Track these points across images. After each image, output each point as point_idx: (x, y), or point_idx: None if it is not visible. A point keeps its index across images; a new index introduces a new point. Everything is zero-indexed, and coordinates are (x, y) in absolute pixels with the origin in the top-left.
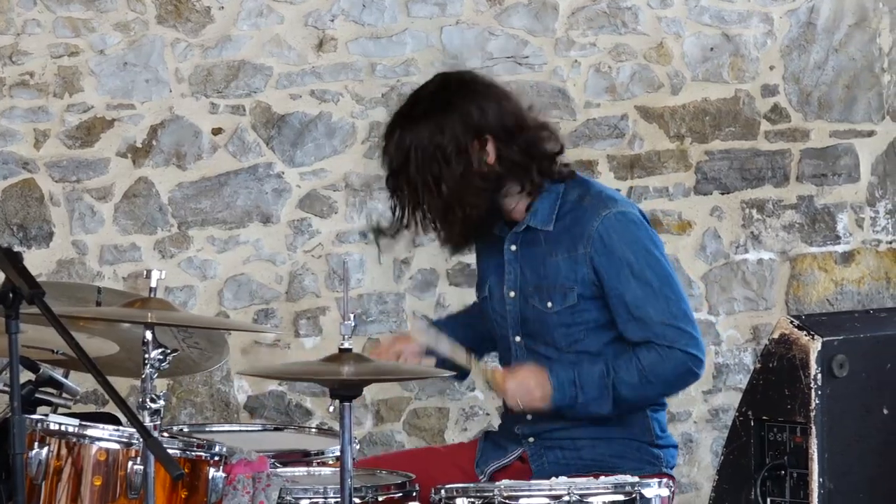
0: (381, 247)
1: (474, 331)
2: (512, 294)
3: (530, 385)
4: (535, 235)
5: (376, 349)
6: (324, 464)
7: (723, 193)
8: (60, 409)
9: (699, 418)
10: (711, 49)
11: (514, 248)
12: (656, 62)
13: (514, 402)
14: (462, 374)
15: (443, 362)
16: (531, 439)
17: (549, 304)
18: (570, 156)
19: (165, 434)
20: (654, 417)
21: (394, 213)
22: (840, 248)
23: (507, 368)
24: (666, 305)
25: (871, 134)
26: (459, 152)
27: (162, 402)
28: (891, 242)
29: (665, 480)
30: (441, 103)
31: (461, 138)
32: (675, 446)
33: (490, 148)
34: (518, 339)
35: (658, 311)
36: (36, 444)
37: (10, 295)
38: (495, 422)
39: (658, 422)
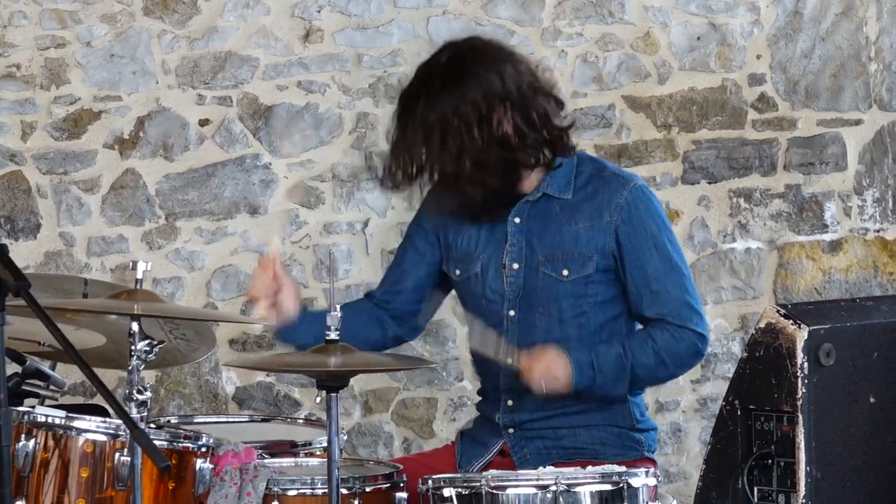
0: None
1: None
2: (516, 266)
3: (554, 369)
4: (549, 204)
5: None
6: (311, 455)
7: (710, 183)
8: (47, 402)
9: (687, 407)
10: (698, 38)
11: (518, 220)
12: (643, 52)
13: (538, 386)
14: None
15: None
16: (511, 430)
17: (566, 273)
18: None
19: (153, 425)
20: (634, 402)
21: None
22: (828, 237)
23: (530, 352)
24: (681, 281)
25: (858, 122)
26: (481, 121)
27: (149, 394)
28: (878, 231)
29: (651, 470)
30: (458, 73)
31: (483, 106)
32: (655, 429)
33: (510, 114)
34: (512, 313)
35: (674, 287)
36: (23, 436)
37: None
38: None
39: (637, 406)
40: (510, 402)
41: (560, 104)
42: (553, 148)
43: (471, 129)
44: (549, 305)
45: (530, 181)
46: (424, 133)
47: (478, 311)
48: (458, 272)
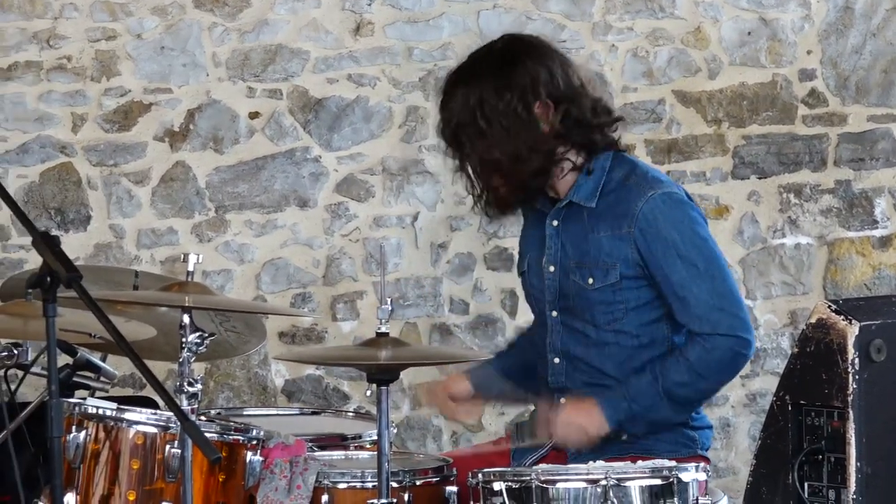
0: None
1: (524, 363)
2: (552, 268)
3: (579, 422)
4: (579, 211)
5: (427, 395)
6: (361, 448)
7: (760, 178)
8: (98, 393)
9: (737, 403)
10: (749, 33)
11: (555, 223)
12: (693, 46)
13: (575, 448)
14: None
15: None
16: (574, 450)
17: (591, 281)
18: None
19: (203, 418)
20: None
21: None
22: (877, 233)
23: (552, 411)
24: (711, 285)
25: None
26: (524, 111)
27: (199, 386)
28: None
29: (702, 465)
30: (509, 61)
31: (528, 97)
32: (710, 427)
33: (552, 112)
34: (555, 314)
35: (702, 291)
36: (74, 427)
37: (48, 278)
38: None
39: (690, 413)
40: (562, 400)
41: (607, 112)
42: (589, 151)
43: (512, 117)
44: (582, 311)
45: (566, 183)
46: (466, 113)
47: (531, 308)
48: (518, 270)
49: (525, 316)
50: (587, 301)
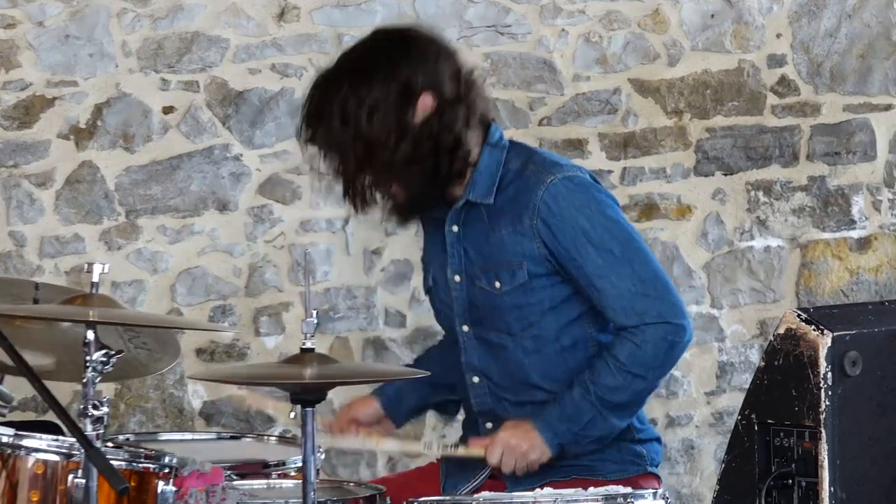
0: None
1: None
2: (457, 278)
3: (519, 446)
4: (477, 211)
5: (328, 428)
6: (285, 476)
7: (726, 174)
8: None
9: (701, 422)
10: (712, 16)
11: (455, 228)
12: (651, 31)
13: (510, 471)
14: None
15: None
16: (519, 474)
17: (498, 284)
18: (558, 134)
19: (110, 444)
20: None
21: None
22: (855, 234)
23: (480, 439)
24: (631, 270)
25: (888, 108)
26: (390, 107)
27: (106, 409)
28: None
29: (660, 491)
30: (378, 59)
31: (393, 94)
32: (658, 440)
33: (429, 108)
34: (466, 328)
35: (622, 279)
36: None
37: None
38: None
39: (636, 414)
40: (489, 426)
41: (488, 102)
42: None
43: (384, 113)
44: (494, 320)
45: (460, 185)
46: (334, 117)
47: (441, 326)
48: (424, 287)
49: None
50: (497, 308)
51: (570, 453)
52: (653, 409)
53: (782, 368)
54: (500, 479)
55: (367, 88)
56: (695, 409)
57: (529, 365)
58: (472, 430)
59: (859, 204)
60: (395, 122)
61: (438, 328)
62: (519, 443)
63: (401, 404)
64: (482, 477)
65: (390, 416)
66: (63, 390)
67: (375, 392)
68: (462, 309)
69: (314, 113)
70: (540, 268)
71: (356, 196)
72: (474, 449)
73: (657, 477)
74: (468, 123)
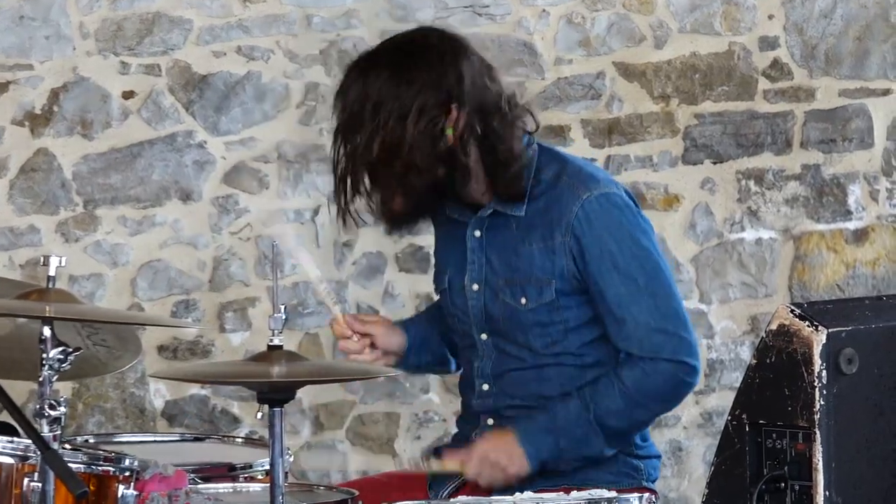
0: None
1: (441, 331)
2: (475, 287)
3: (495, 460)
4: (506, 220)
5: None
6: (252, 479)
7: (715, 163)
8: None
9: (689, 423)
10: None
11: (478, 233)
12: (637, 11)
13: (486, 484)
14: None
15: None
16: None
17: (524, 301)
18: (539, 120)
19: (67, 446)
20: None
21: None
22: (851, 225)
23: (456, 452)
24: (653, 303)
25: (886, 93)
26: (422, 116)
27: (63, 409)
28: None
29: (647, 495)
30: (419, 57)
31: (430, 100)
32: (659, 457)
33: (458, 121)
34: (485, 336)
35: (642, 311)
36: None
37: None
38: (452, 428)
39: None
40: (490, 422)
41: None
42: (493, 174)
43: (415, 116)
44: (514, 335)
45: (483, 186)
46: (371, 106)
47: (454, 333)
48: (436, 287)
49: None
50: (520, 323)
51: (550, 470)
52: None
53: (775, 366)
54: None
55: (407, 87)
56: (682, 409)
57: (547, 378)
58: (471, 425)
59: (856, 194)
60: (423, 129)
61: None
62: (498, 456)
63: (420, 354)
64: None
65: (405, 358)
66: (18, 389)
67: (402, 326)
68: (478, 319)
69: (344, 93)
70: (568, 286)
71: (346, 190)
72: (450, 463)
73: (653, 492)
74: (491, 140)
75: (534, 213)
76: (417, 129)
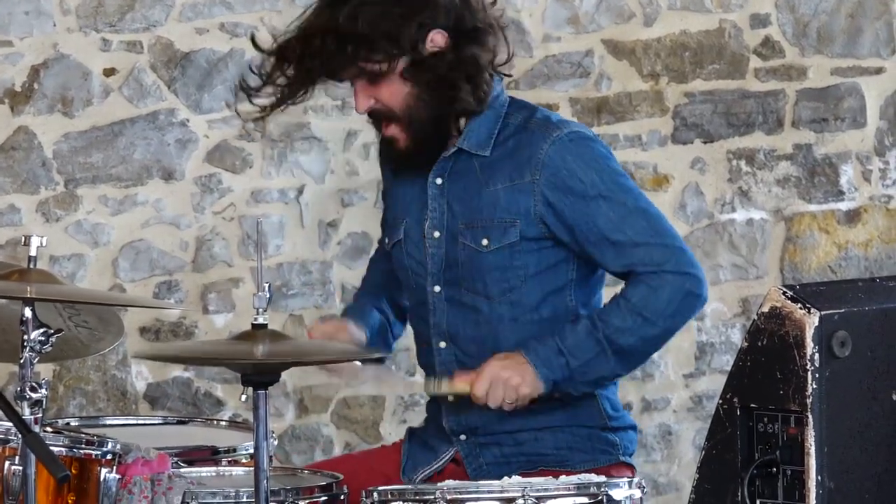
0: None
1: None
2: (436, 234)
3: (507, 378)
4: (469, 163)
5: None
6: (236, 462)
7: (705, 142)
8: None
9: (679, 406)
10: None
11: (439, 180)
12: None
13: (497, 405)
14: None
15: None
16: (462, 436)
17: (485, 242)
18: (526, 99)
19: (49, 429)
20: (604, 395)
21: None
22: (843, 206)
23: (468, 373)
24: (646, 222)
25: (879, 71)
26: (417, 41)
27: (44, 392)
28: None
29: (636, 480)
30: None
31: (424, 24)
32: (634, 427)
33: (441, 42)
34: (437, 288)
35: (637, 231)
36: None
37: None
38: None
39: (609, 400)
40: (450, 399)
41: (502, 41)
42: (482, 96)
43: (391, 48)
44: (473, 281)
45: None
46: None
47: (405, 287)
48: (387, 240)
49: None
50: (479, 267)
51: (562, 392)
52: (627, 392)
53: (766, 349)
54: (461, 466)
55: (379, 14)
56: (672, 392)
57: (503, 332)
58: (436, 406)
59: (848, 174)
60: (406, 44)
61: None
62: (511, 375)
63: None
64: (445, 459)
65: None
66: None
67: (359, 318)
68: (437, 268)
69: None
70: (532, 229)
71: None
72: (459, 384)
73: (631, 467)
74: (480, 65)
75: (501, 155)
76: (412, 42)
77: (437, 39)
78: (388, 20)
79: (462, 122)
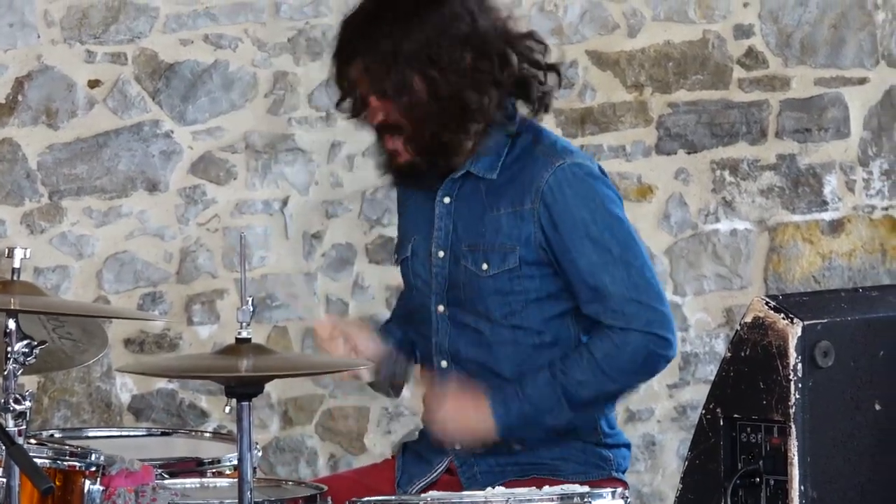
0: None
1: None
2: (441, 254)
3: (465, 417)
4: (476, 185)
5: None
6: (220, 474)
7: (689, 153)
8: None
9: (663, 417)
10: None
11: (447, 200)
12: None
13: (451, 442)
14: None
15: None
16: (458, 446)
17: (485, 267)
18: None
19: (33, 441)
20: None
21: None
22: (827, 216)
23: (435, 398)
24: (626, 274)
25: (862, 81)
26: (434, 60)
27: (28, 404)
28: (886, 209)
29: (620, 490)
30: (415, 3)
31: (439, 43)
32: (628, 446)
33: (469, 58)
34: (441, 308)
35: (616, 281)
36: None
37: None
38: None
39: (605, 417)
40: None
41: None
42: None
43: (423, 65)
44: (474, 303)
45: (463, 152)
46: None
47: (411, 305)
48: (396, 256)
49: None
50: (479, 290)
51: (515, 440)
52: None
53: (749, 359)
54: (455, 476)
55: (404, 31)
56: (656, 402)
57: (503, 355)
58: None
59: (832, 184)
60: (426, 68)
61: (383, 315)
62: (466, 413)
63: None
64: (439, 470)
65: (380, 367)
66: None
67: (384, 335)
68: (441, 287)
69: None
70: (532, 255)
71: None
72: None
73: (623, 483)
74: (497, 84)
75: (505, 179)
76: (431, 74)
77: (453, 56)
78: (408, 38)
79: (469, 143)
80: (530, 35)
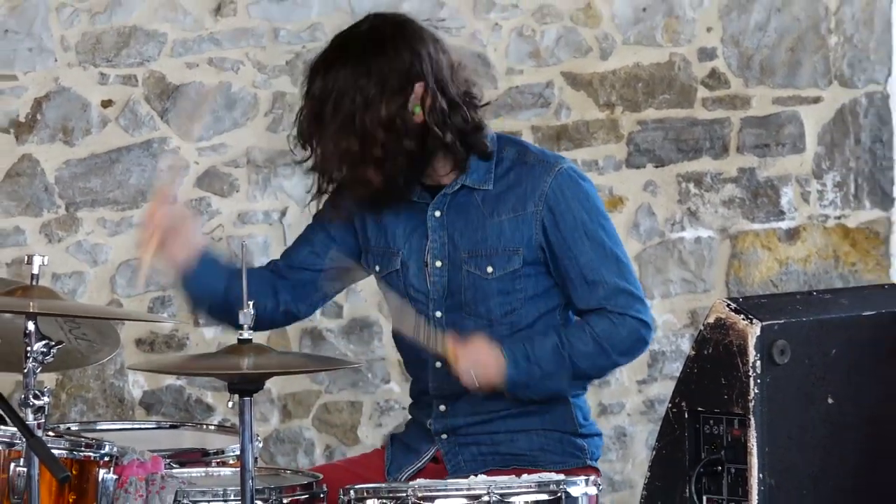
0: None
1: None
2: (438, 263)
3: (484, 358)
4: (469, 197)
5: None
6: (224, 464)
7: (657, 166)
8: None
9: (633, 410)
10: (644, 9)
11: (438, 213)
12: (584, 24)
13: (468, 377)
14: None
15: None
16: (444, 436)
17: (490, 269)
18: (492, 127)
19: (51, 433)
20: (576, 404)
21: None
22: (784, 225)
23: (457, 342)
24: (618, 268)
25: (816, 100)
26: (387, 98)
27: (47, 399)
28: (839, 218)
29: (592, 478)
30: (378, 44)
31: (391, 83)
32: (600, 435)
33: (421, 98)
34: (439, 314)
35: (611, 274)
36: None
37: None
38: None
39: (580, 409)
40: (442, 408)
41: (475, 102)
42: (465, 142)
43: (380, 105)
44: (476, 305)
45: (446, 171)
46: (333, 102)
47: (397, 312)
48: (378, 268)
49: None
50: (483, 293)
51: (514, 394)
52: (587, 397)
53: (712, 357)
54: (441, 464)
55: (366, 78)
56: (627, 397)
57: (501, 345)
58: (424, 410)
59: (788, 195)
60: (393, 112)
61: (374, 317)
62: (487, 359)
63: (200, 285)
64: (426, 459)
65: (186, 278)
66: (4, 380)
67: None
68: (439, 294)
69: (311, 94)
70: (532, 255)
71: (325, 176)
72: (448, 347)
73: (597, 470)
74: (458, 115)
75: (502, 188)
76: (388, 113)
77: (418, 91)
78: (374, 78)
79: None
80: (469, 91)
